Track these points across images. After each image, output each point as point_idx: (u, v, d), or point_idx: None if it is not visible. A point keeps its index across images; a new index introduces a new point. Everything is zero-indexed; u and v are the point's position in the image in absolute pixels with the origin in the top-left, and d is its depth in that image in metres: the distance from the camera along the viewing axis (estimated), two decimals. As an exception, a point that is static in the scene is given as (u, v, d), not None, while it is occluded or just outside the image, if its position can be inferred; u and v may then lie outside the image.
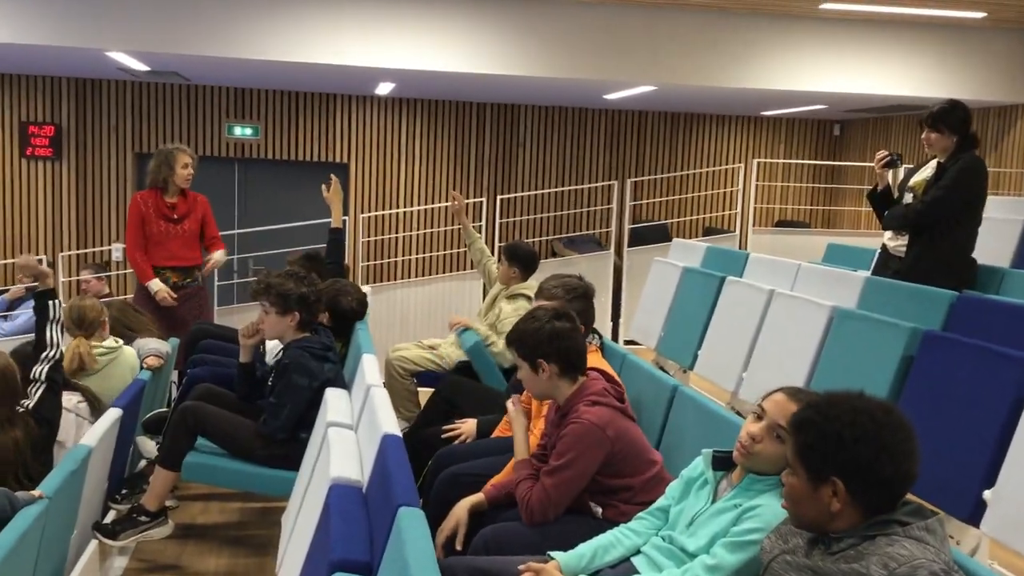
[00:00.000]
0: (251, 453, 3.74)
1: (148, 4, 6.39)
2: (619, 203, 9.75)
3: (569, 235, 10.06)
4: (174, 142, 6.70)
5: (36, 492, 2.70)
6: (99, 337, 4.31)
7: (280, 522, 3.85)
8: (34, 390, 3.41)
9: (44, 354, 3.48)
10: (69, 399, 3.75)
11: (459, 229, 6.88)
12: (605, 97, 8.92)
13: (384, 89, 8.79)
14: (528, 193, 9.87)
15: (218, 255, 5.67)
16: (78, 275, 8.38)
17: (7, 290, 7.94)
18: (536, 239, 9.97)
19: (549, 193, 10.00)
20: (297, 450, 3.67)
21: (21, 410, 3.29)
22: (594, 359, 3.06)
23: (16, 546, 2.44)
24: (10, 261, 8.73)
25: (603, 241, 10.10)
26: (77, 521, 3.40)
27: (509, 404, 3.01)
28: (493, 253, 6.16)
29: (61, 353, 3.52)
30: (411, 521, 1.95)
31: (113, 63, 7.40)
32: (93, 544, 3.60)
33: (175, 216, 5.56)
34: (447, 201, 9.52)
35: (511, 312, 5.04)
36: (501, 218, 9.42)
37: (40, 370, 3.44)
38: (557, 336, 2.76)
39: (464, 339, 5.06)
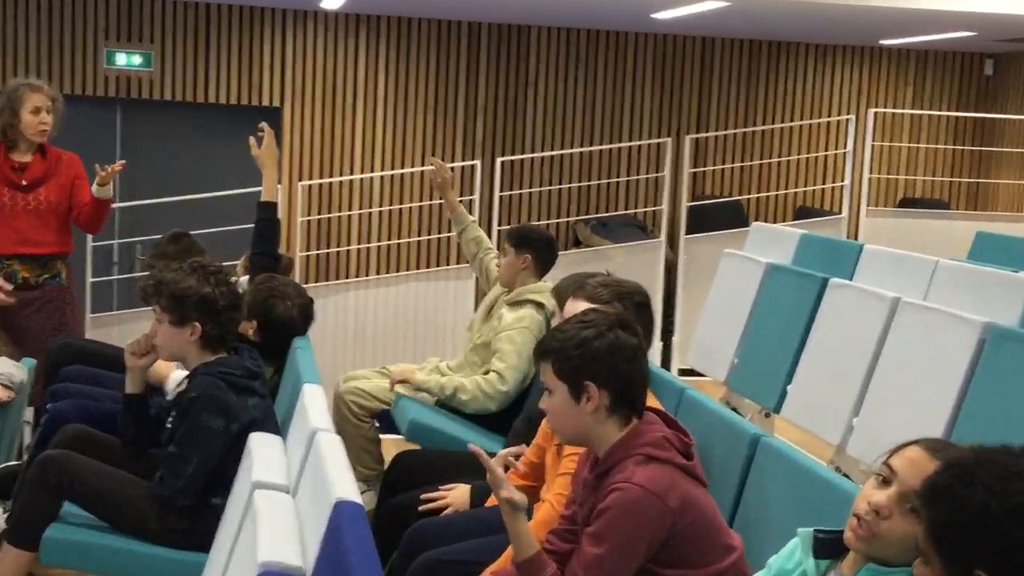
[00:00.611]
0: (141, 526, 3.74)
1: None
2: (673, 170, 9.75)
3: (599, 216, 10.07)
4: (25, 76, 6.71)
5: None
6: None
7: (182, 627, 3.86)
8: None
9: None
10: None
11: (443, 207, 6.90)
12: (654, 16, 8.93)
13: (333, 1, 8.80)
14: (540, 154, 9.88)
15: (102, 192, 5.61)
16: None
17: None
18: (551, 221, 9.98)
19: (570, 155, 10.01)
20: (207, 523, 3.67)
21: None
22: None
23: None
24: None
25: (649, 225, 10.10)
26: None
27: (473, 448, 2.83)
28: (493, 242, 6.18)
29: None
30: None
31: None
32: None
33: (24, 182, 5.56)
34: (425, 165, 9.53)
35: (513, 323, 5.06)
36: (502, 189, 9.42)
37: None
38: (619, 351, 2.73)
39: (402, 414, 5.05)
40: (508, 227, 8.34)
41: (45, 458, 3.80)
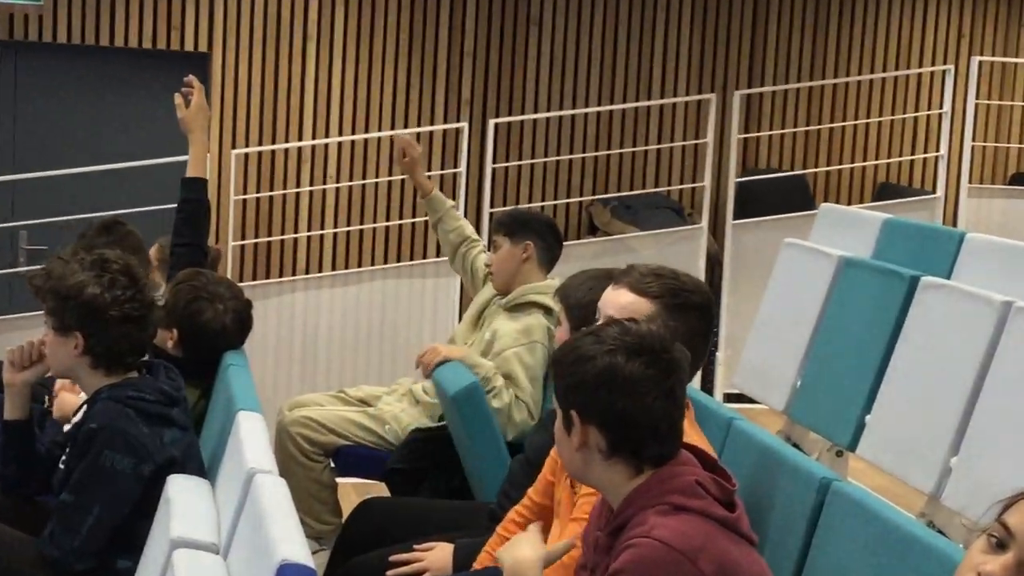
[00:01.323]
0: (27, 595, 3.75)
1: None
2: (717, 136, 9.76)
3: (622, 195, 10.07)
4: None
5: None
6: None
7: None
8: None
9: None
10: None
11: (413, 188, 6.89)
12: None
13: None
14: (545, 115, 9.87)
15: None
16: None
17: None
18: (558, 201, 9.97)
19: (584, 116, 10.01)
20: (112, 592, 3.69)
21: None
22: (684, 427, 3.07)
23: None
24: None
25: (686, 207, 10.10)
26: None
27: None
28: (483, 231, 6.19)
29: None
30: None
31: None
32: None
33: None
34: (391, 127, 9.53)
35: (519, 337, 5.06)
36: (495, 160, 9.42)
37: None
38: (611, 382, 2.75)
39: (442, 379, 5.06)
40: (504, 208, 8.35)
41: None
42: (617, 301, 3.29)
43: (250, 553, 2.93)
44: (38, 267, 4.16)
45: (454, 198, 8.67)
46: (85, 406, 3.90)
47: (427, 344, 5.40)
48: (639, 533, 2.68)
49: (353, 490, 5.47)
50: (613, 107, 9.99)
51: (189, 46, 9.50)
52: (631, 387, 2.75)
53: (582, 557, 2.95)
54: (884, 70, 10.55)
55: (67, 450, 3.89)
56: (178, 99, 5.45)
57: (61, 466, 3.89)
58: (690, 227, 9.39)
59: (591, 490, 3.13)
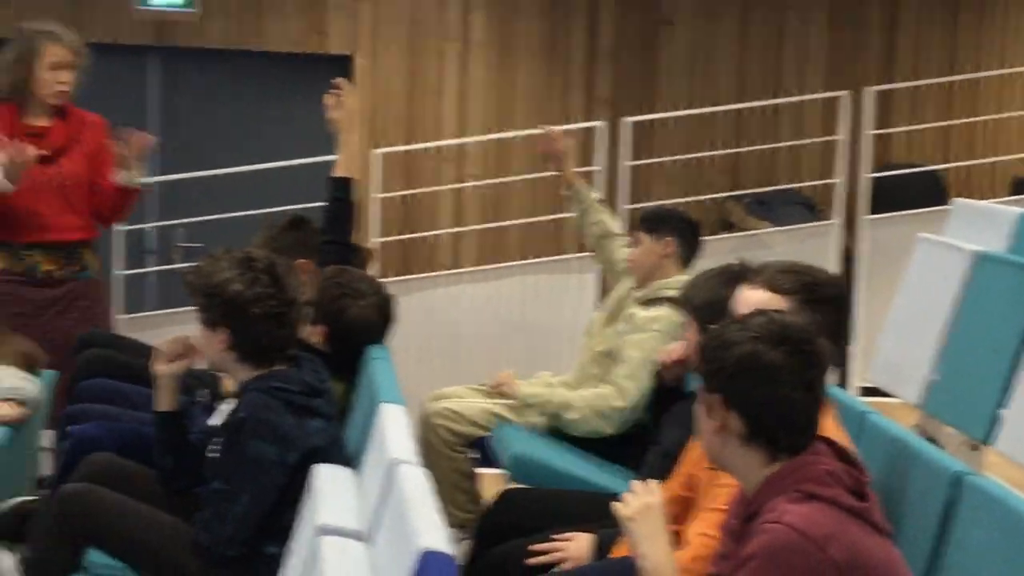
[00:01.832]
0: (181, 577, 3.82)
1: None
2: (851, 132, 9.63)
3: (756, 191, 9.99)
4: (43, 20, 6.83)
5: None
6: None
7: None
8: None
9: None
10: None
11: (556, 183, 6.90)
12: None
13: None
14: (680, 113, 9.81)
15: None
16: None
17: None
18: (693, 198, 9.90)
19: (719, 114, 9.93)
20: (261, 575, 3.73)
21: None
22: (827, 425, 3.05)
23: None
24: None
25: (819, 203, 9.98)
26: None
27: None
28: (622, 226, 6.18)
29: None
30: None
31: None
32: None
33: (43, 151, 5.66)
34: (532, 126, 9.53)
35: (644, 325, 5.06)
36: (631, 158, 9.38)
37: None
38: (752, 370, 2.76)
39: (504, 443, 5.08)
40: (638, 206, 8.32)
41: (65, 494, 3.91)
42: (752, 299, 3.27)
43: (393, 541, 2.96)
44: (192, 264, 4.24)
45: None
46: (235, 398, 3.97)
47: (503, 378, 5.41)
48: (770, 519, 2.68)
49: (494, 480, 5.48)
50: (746, 105, 9.90)
51: (334, 49, 9.58)
52: (771, 375, 2.76)
53: (721, 547, 2.94)
54: (1019, 64, 10.34)
55: (219, 439, 3.96)
56: (330, 100, 5.52)
57: (212, 455, 3.96)
58: (823, 223, 9.28)
59: (729, 482, 3.13)
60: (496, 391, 5.31)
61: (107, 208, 5.81)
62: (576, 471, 4.85)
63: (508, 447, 4.97)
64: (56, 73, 5.66)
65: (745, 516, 2.79)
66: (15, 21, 8.35)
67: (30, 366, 4.93)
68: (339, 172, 5.45)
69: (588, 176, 8.65)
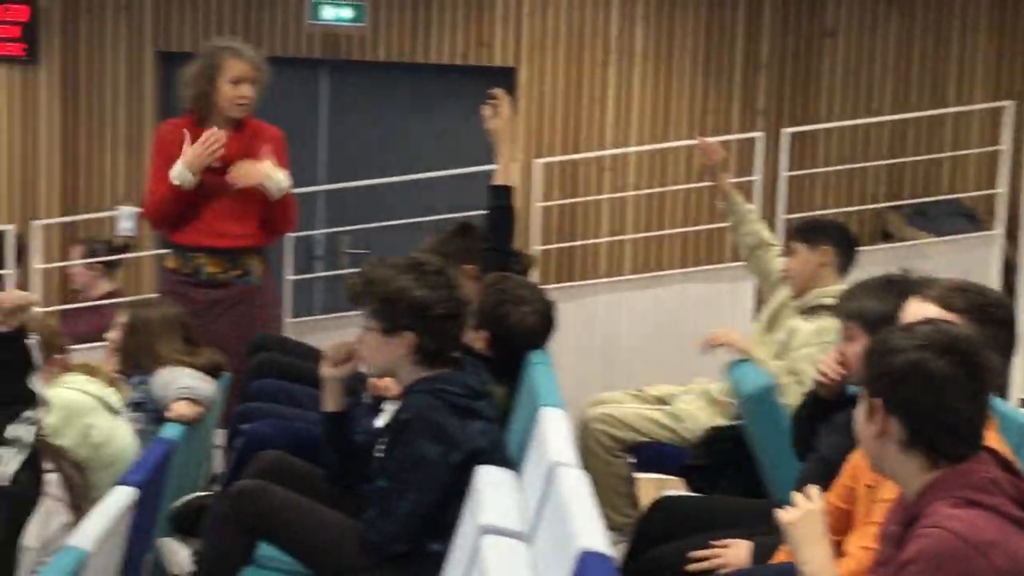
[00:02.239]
0: (348, 572, 3.86)
1: None
2: (1015, 143, 9.42)
3: (916, 201, 9.83)
4: (223, 36, 6.97)
5: None
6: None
7: None
8: (9, 455, 3.67)
9: (27, 413, 3.75)
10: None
11: (713, 193, 6.88)
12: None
13: (583, -63, 8.90)
14: (839, 124, 9.70)
15: (278, 174, 5.78)
16: (65, 258, 8.91)
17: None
18: (852, 208, 9.77)
19: (878, 125, 9.80)
20: (425, 572, 3.77)
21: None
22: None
23: None
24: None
25: (981, 214, 9.78)
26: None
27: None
28: (778, 237, 6.13)
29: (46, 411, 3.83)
30: None
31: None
32: None
33: (219, 164, 5.78)
34: (691, 137, 9.50)
35: (813, 338, 5.00)
36: (790, 168, 9.30)
37: (20, 431, 3.71)
38: (917, 378, 2.71)
39: (739, 378, 5.03)
40: (797, 216, 8.23)
41: (238, 490, 3.99)
42: (921, 313, 3.22)
43: (553, 541, 2.97)
44: (354, 271, 4.29)
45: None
46: (401, 399, 4.01)
47: (722, 331, 5.37)
48: (930, 523, 2.64)
49: (651, 485, 5.47)
50: (906, 116, 9.74)
51: (498, 61, 9.63)
52: (936, 384, 2.72)
53: (879, 555, 2.91)
54: None
55: (385, 440, 4.00)
56: (487, 111, 5.55)
57: (378, 455, 4.01)
58: (984, 233, 9.09)
59: (888, 497, 3.10)
60: (716, 343, 5.25)
61: (276, 217, 5.90)
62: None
63: (746, 382, 4.94)
64: (237, 87, 5.77)
65: (905, 521, 2.75)
66: (196, 37, 8.58)
67: (215, 371, 5.05)
68: (498, 180, 5.48)
69: (747, 186, 8.60)
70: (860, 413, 2.83)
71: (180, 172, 5.66)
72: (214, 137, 5.62)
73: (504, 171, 5.49)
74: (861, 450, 3.01)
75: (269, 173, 5.74)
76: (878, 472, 2.93)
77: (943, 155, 9.84)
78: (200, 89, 5.79)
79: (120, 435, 4.60)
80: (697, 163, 6.14)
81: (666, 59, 9.71)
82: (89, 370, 4.79)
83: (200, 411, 4.73)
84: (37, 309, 4.07)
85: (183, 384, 4.77)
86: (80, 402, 4.49)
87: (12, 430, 3.77)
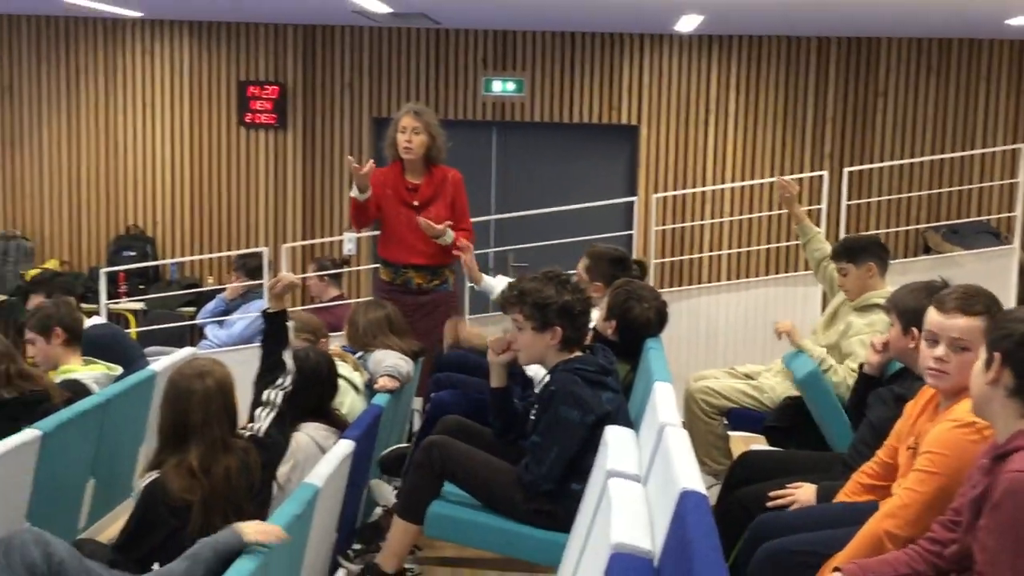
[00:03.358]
0: (510, 506, 3.90)
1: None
2: (1028, 176, 9.15)
3: (951, 222, 9.58)
4: (416, 101, 7.07)
5: (257, 530, 2.99)
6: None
7: (545, 600, 3.99)
8: (265, 414, 3.79)
9: (280, 380, 3.87)
10: (316, 430, 4.12)
11: (789, 219, 6.83)
12: (1008, 23, 8.40)
13: (688, 24, 8.83)
14: (890, 163, 9.50)
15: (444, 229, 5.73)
16: (304, 271, 9.13)
17: (223, 289, 8.82)
18: (899, 228, 9.57)
19: (920, 163, 9.57)
20: (567, 506, 3.78)
21: (243, 436, 3.66)
22: None
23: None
24: (224, 254, 9.67)
25: (1002, 232, 9.51)
26: (300, 579, 3.71)
27: None
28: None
29: (292, 380, 3.90)
30: (719, 609, 1.97)
31: (349, 6, 7.99)
32: (318, 610, 3.92)
33: (415, 202, 5.83)
34: (772, 175, 9.40)
35: (864, 328, 4.92)
36: (849, 198, 9.14)
37: (274, 395, 3.83)
38: None
39: (793, 366, 5.00)
40: (843, 239, 8.13)
41: (430, 443, 4.04)
42: (956, 324, 3.15)
43: (662, 483, 2.96)
44: (514, 279, 4.35)
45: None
46: (548, 375, 4.04)
47: (784, 323, 5.31)
48: (1016, 468, 2.54)
49: (740, 441, 5.41)
50: (942, 156, 9.51)
51: (624, 120, 9.62)
52: None
53: (962, 495, 2.81)
54: None
55: (536, 405, 4.04)
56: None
57: (532, 417, 4.04)
58: (1006, 247, 8.83)
59: (929, 449, 3.07)
60: (779, 331, 5.21)
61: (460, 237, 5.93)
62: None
63: (801, 368, 4.90)
64: (402, 135, 5.79)
65: (996, 455, 2.65)
66: (398, 106, 8.67)
67: (416, 355, 5.14)
68: None
69: (816, 213, 8.47)
70: (978, 365, 2.73)
71: (353, 189, 5.75)
72: (366, 167, 5.66)
73: None
74: (929, 423, 2.90)
75: (439, 232, 5.72)
76: (980, 415, 2.80)
77: (972, 186, 9.59)
78: (390, 138, 5.86)
79: (357, 408, 4.67)
80: (777, 196, 6.06)
81: (752, 116, 9.61)
82: (341, 356, 4.84)
83: (398, 385, 4.80)
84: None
85: (389, 363, 4.85)
86: (341, 387, 4.53)
87: (267, 394, 3.86)
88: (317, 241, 9.64)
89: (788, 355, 5.18)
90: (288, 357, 3.96)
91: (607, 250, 5.61)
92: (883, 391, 4.00)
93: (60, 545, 2.76)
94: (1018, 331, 2.63)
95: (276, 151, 9.78)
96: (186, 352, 6.21)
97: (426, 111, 5.89)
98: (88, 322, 5.36)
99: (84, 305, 6.04)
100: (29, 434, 4.06)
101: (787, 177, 6.33)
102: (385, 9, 8.07)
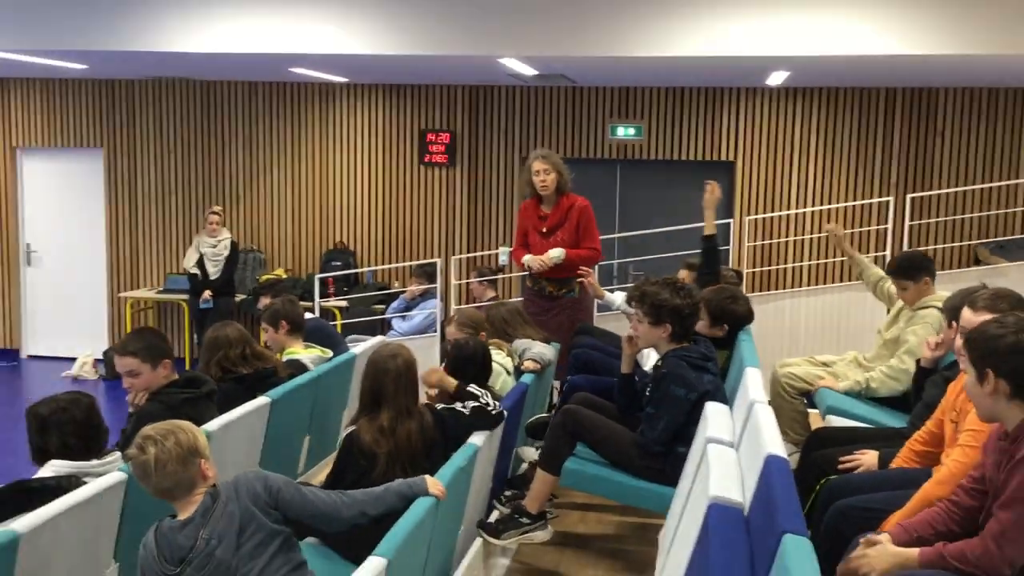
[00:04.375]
0: (629, 463, 3.89)
1: (538, 11, 6.91)
2: (1066, 200, 8.66)
3: (999, 239, 9.14)
4: (546, 148, 7.07)
5: (435, 485, 3.06)
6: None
7: (657, 540, 3.97)
8: (465, 405, 3.76)
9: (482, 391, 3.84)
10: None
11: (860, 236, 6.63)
12: (1049, 73, 7.99)
13: (776, 79, 8.65)
14: (946, 191, 9.12)
15: (552, 253, 5.68)
16: (468, 278, 9.26)
17: (405, 291, 9.01)
18: (955, 244, 9.18)
19: (972, 190, 9.16)
20: (674, 465, 3.76)
21: (422, 405, 3.74)
22: None
23: (412, 534, 2.79)
24: (407, 263, 9.88)
25: (1044, 246, 9.04)
26: (464, 518, 3.78)
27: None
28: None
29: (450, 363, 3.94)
30: (797, 550, 1.93)
31: (504, 70, 8.08)
32: (477, 543, 3.97)
33: (544, 229, 5.82)
34: (845, 201, 9.12)
35: (918, 320, 4.77)
36: (911, 219, 8.80)
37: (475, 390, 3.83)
38: (1018, 352, 2.50)
39: (822, 399, 4.85)
40: (895, 261, 7.88)
41: (565, 409, 4.07)
42: (977, 319, 3.03)
43: (751, 448, 2.93)
44: (631, 285, 4.34)
45: (884, 248, 8.24)
46: (660, 360, 4.01)
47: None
48: None
49: (816, 417, 5.28)
50: (991, 184, 9.08)
51: (723, 158, 9.48)
52: None
53: (980, 458, 2.71)
54: None
55: (650, 384, 4.01)
56: (707, 190, 5.54)
57: (647, 394, 4.02)
58: (1045, 259, 8.42)
59: (971, 427, 2.95)
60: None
61: (575, 263, 5.75)
62: (866, 415, 4.60)
63: (824, 401, 4.78)
64: (536, 176, 5.76)
65: (1009, 439, 2.54)
66: (557, 149, 8.65)
67: (548, 342, 5.16)
68: (706, 232, 5.54)
69: (883, 233, 8.19)
70: (971, 380, 2.60)
71: (527, 260, 5.75)
72: (544, 261, 5.66)
73: (708, 227, 5.49)
74: (967, 403, 2.82)
75: (547, 257, 5.69)
76: (988, 420, 2.66)
77: (1016, 209, 9.13)
78: (526, 180, 5.88)
79: (508, 387, 4.66)
80: (830, 239, 5.97)
81: (830, 152, 9.34)
82: (498, 345, 4.83)
83: (538, 367, 4.82)
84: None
85: (533, 351, 4.89)
86: (495, 369, 4.55)
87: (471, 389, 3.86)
88: (478, 253, 9.75)
89: (821, 393, 5.00)
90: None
91: (696, 262, 5.66)
92: (936, 377, 3.87)
93: (277, 477, 2.86)
94: (1001, 345, 2.50)
95: (448, 184, 9.93)
96: (377, 340, 6.38)
97: (550, 154, 5.88)
98: (306, 316, 5.54)
99: (302, 303, 6.26)
100: (262, 400, 4.23)
101: (832, 225, 6.27)
102: (532, 72, 8.15)
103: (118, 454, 3.34)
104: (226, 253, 9.11)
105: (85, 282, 10.58)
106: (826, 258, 9.31)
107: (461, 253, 9.82)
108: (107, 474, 3.17)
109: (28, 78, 10.37)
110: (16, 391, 9.63)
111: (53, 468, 3.16)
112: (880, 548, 2.59)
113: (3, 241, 10.66)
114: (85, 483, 3.10)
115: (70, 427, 3.21)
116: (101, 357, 9.83)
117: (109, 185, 10.39)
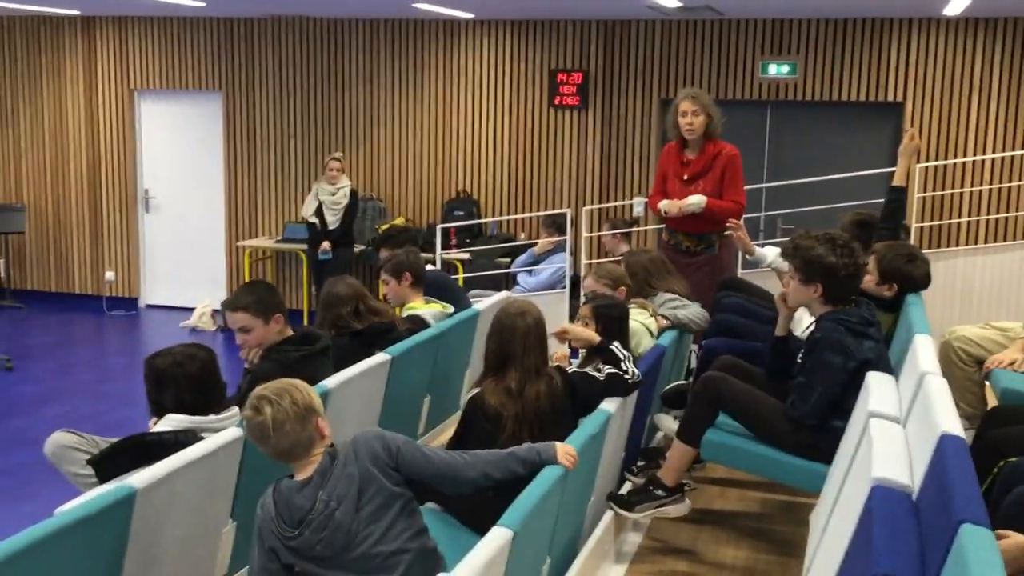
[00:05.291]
0: (777, 437, 3.80)
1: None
2: None
3: None
4: (696, 86, 6.88)
5: (565, 452, 3.05)
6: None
7: (807, 521, 3.87)
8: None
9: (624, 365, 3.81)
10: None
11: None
12: None
13: (954, 8, 8.18)
14: None
15: (692, 199, 5.55)
16: (600, 230, 9.19)
17: (534, 243, 9.01)
18: None
19: None
20: (829, 440, 3.65)
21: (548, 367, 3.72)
22: None
23: (539, 505, 2.78)
24: (534, 214, 9.87)
25: None
26: (594, 489, 3.77)
27: None
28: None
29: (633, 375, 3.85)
30: (977, 542, 1.84)
31: (643, 2, 7.91)
32: (608, 516, 3.96)
33: (685, 176, 5.68)
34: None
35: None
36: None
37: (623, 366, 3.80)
38: None
39: (997, 380, 4.57)
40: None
41: (706, 377, 4.00)
42: None
43: (920, 426, 2.81)
44: (787, 239, 4.19)
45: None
46: (814, 323, 3.88)
47: None
48: None
49: (991, 390, 5.03)
50: None
51: (890, 98, 9.06)
52: None
53: None
54: None
55: (803, 350, 3.89)
56: (905, 136, 5.32)
57: (799, 360, 3.90)
58: None
59: None
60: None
61: (716, 216, 5.62)
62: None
63: (999, 383, 4.54)
64: (683, 118, 5.64)
65: None
66: (680, 88, 8.52)
67: (687, 297, 5.05)
68: (896, 182, 5.22)
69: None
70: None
71: (663, 205, 5.64)
72: (681, 207, 5.55)
73: (900, 176, 5.22)
74: None
75: (685, 203, 5.57)
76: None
77: None
78: (672, 121, 5.76)
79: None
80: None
81: (1016, 92, 8.81)
82: (642, 305, 4.77)
83: (666, 324, 4.75)
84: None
85: (690, 311, 4.82)
86: (637, 329, 4.50)
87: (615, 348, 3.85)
88: (611, 204, 9.66)
89: (995, 373, 4.71)
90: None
91: (854, 215, 5.33)
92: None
93: (396, 436, 2.90)
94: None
95: (579, 128, 9.85)
96: (502, 295, 6.40)
97: (701, 93, 5.74)
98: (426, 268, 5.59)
99: (423, 255, 6.33)
100: (382, 357, 4.30)
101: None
102: (675, 3, 7.95)
103: (236, 408, 3.44)
104: (345, 202, 9.29)
105: (203, 229, 10.99)
106: (1007, 212, 8.84)
107: (592, 203, 9.75)
108: (225, 430, 3.28)
109: (147, 16, 10.75)
110: (136, 341, 10.13)
111: (170, 422, 3.28)
112: None
113: (122, 187, 11.16)
114: (202, 438, 3.21)
115: (185, 382, 3.32)
116: (219, 308, 10.24)
117: (227, 129, 10.72)
